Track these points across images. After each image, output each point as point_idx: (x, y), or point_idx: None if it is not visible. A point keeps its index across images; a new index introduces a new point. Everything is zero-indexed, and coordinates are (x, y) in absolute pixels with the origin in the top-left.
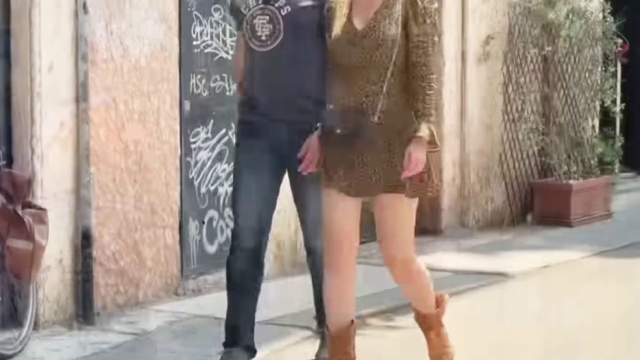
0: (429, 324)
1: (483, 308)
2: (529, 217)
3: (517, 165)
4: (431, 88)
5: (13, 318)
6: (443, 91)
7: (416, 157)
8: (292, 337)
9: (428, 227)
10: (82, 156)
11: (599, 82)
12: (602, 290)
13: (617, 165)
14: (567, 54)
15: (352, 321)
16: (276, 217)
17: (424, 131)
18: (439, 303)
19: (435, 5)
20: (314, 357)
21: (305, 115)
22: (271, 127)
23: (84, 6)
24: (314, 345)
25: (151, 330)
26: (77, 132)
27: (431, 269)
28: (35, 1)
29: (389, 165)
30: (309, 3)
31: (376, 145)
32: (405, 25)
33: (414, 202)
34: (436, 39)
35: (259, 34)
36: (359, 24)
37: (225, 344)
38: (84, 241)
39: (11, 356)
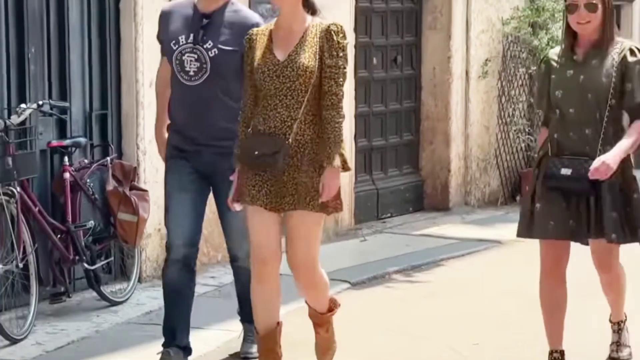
0: (321, 322)
1: (482, 267)
2: (518, 198)
3: (508, 158)
4: (340, 116)
5: (123, 273)
6: (450, 101)
7: (329, 186)
8: (334, 288)
9: (438, 205)
10: None
11: None
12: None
13: None
14: None
15: (278, 323)
16: None
17: (336, 161)
18: (333, 305)
19: (347, 41)
20: (239, 351)
21: (225, 141)
22: (195, 151)
23: None
24: (350, 296)
25: (227, 284)
26: None
27: (441, 237)
28: (139, 33)
29: (301, 185)
30: (233, 48)
31: (291, 166)
32: (320, 58)
33: (322, 217)
34: (347, 70)
35: (187, 69)
36: (280, 55)
37: (164, 344)
38: None
39: (121, 302)
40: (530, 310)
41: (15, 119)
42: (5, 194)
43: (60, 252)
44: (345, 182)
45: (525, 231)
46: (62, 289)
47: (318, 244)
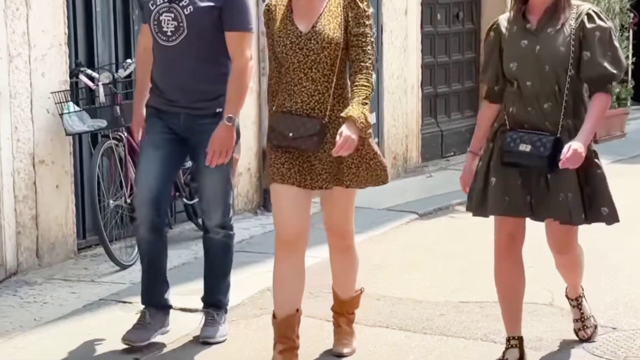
0: (342, 311)
1: None
2: None
3: None
4: (368, 81)
5: None
6: None
7: (346, 136)
8: (404, 218)
9: None
10: (262, 99)
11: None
12: (618, 186)
13: (629, 100)
14: None
15: (298, 310)
16: (393, 138)
17: (355, 112)
18: (356, 297)
19: (372, 10)
20: (198, 334)
21: (203, 103)
22: (171, 112)
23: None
24: (418, 225)
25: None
26: (259, 83)
27: None
28: None
29: (338, 160)
30: (210, 4)
31: (326, 142)
32: (346, 29)
33: (356, 190)
34: (373, 39)
35: (164, 29)
36: (302, 27)
37: (143, 302)
38: (264, 156)
39: None
40: (580, 234)
41: (122, 73)
42: (114, 138)
43: None
44: (413, 125)
45: (477, 208)
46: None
47: (353, 209)
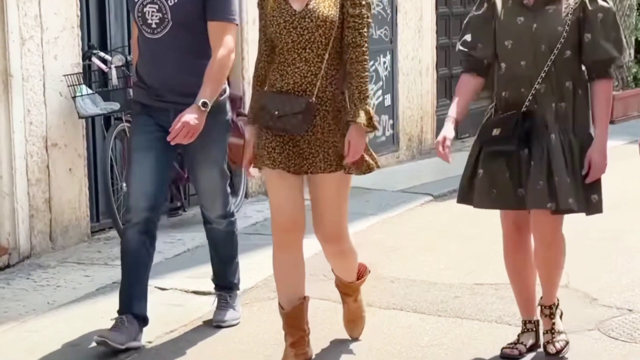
0: (349, 292)
1: None
2: None
3: None
4: (365, 70)
5: (232, 190)
6: None
7: (355, 144)
8: (419, 200)
9: None
10: None
11: (634, 23)
12: (634, 167)
13: None
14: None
15: (305, 298)
16: (408, 119)
17: (361, 117)
18: (361, 274)
19: None
20: (211, 317)
21: (192, 97)
22: (160, 107)
23: None
24: (433, 207)
25: None
26: None
27: None
28: None
29: (327, 144)
30: None
31: (315, 125)
32: (342, 7)
33: (350, 181)
34: (370, 20)
35: (149, 21)
36: (296, 5)
37: (119, 311)
38: None
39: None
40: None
41: None
42: (127, 121)
43: (176, 172)
44: (428, 107)
45: (461, 195)
46: (178, 204)
47: (346, 208)
